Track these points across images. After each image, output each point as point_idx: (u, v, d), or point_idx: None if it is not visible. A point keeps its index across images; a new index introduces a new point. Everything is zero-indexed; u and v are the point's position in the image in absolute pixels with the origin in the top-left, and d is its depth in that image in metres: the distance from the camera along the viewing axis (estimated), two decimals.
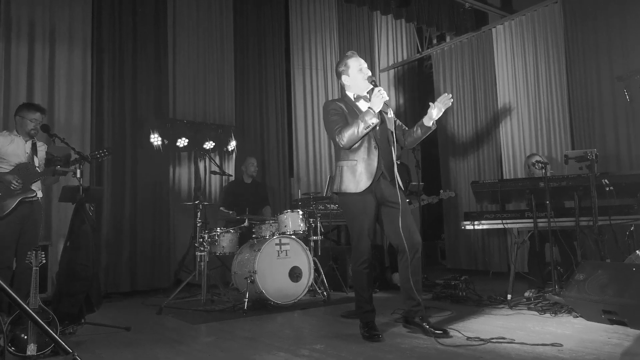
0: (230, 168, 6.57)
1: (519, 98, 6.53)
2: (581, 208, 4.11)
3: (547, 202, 4.05)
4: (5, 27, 5.11)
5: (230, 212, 5.33)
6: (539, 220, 4.16)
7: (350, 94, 3.33)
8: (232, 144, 6.45)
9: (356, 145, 3.14)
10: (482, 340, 2.94)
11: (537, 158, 4.88)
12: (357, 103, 3.28)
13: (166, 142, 5.93)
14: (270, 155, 7.00)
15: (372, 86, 3.15)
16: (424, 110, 3.32)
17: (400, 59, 8.41)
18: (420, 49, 8.38)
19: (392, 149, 3.20)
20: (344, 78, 3.34)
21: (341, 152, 3.26)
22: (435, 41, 8.26)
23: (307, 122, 7.53)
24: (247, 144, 6.72)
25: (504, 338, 2.97)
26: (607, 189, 3.95)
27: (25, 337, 2.78)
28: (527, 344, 2.84)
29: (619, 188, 4.02)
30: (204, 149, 6.14)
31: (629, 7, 5.42)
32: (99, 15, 5.70)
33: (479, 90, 7.07)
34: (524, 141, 6.45)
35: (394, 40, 8.43)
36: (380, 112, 3.13)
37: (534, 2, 6.43)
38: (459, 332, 3.09)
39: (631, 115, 5.36)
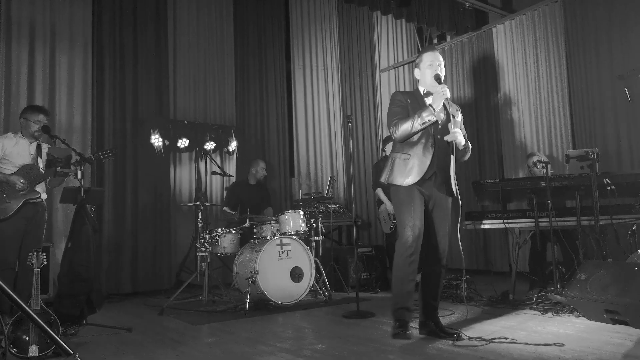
0: (231, 168, 6.57)
1: (520, 97, 6.52)
2: (582, 207, 4.11)
3: (549, 201, 4.05)
4: (6, 27, 5.12)
5: (233, 212, 5.32)
6: (540, 219, 4.16)
7: (421, 89, 3.26)
8: (233, 145, 6.45)
9: (414, 139, 3.10)
10: (483, 340, 2.94)
11: (537, 157, 4.88)
12: (425, 98, 3.20)
13: (167, 142, 5.93)
14: (271, 155, 7.00)
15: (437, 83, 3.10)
16: None
17: (400, 59, 8.41)
18: (420, 49, 8.38)
19: (451, 152, 3.16)
20: (415, 71, 3.30)
21: (397, 144, 3.21)
22: (435, 41, 8.26)
23: (307, 122, 7.53)
24: (248, 144, 6.72)
25: (505, 338, 2.96)
26: (609, 188, 3.94)
27: (27, 338, 2.78)
28: (529, 344, 2.83)
29: (621, 187, 4.02)
30: (205, 149, 6.14)
31: (629, 6, 5.41)
32: (100, 16, 5.71)
33: (479, 90, 7.07)
34: (525, 141, 6.44)
35: (394, 40, 8.43)
36: (447, 112, 3.13)
37: (534, 1, 6.42)
38: (461, 332, 3.08)
39: (632, 114, 5.35)
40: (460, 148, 3.17)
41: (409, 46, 8.55)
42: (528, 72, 6.44)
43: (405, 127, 3.05)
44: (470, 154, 3.29)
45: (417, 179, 3.05)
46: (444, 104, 3.14)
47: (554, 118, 6.15)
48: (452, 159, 3.17)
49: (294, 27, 7.57)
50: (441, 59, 3.21)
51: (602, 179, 4.00)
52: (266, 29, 7.18)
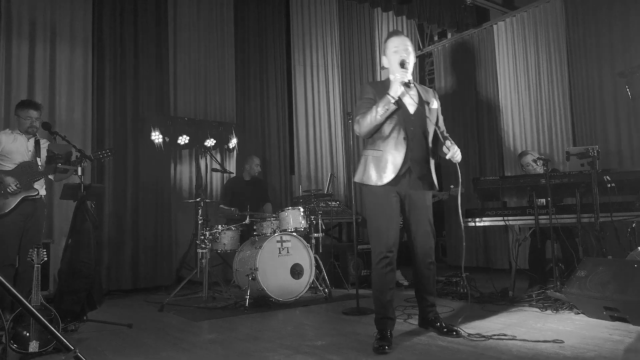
0: (231, 165, 6.57)
1: (521, 94, 6.52)
2: (583, 205, 4.11)
3: (549, 198, 4.05)
4: (6, 25, 5.11)
5: (232, 208, 5.33)
6: (540, 217, 4.16)
7: (391, 77, 3.00)
8: (233, 142, 6.45)
9: (386, 133, 2.90)
10: (483, 336, 2.94)
11: (532, 156, 4.87)
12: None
13: (167, 139, 5.93)
14: (271, 153, 7.00)
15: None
16: None
17: None
18: (421, 46, 8.37)
19: (427, 143, 2.98)
20: (383, 60, 3.10)
21: (368, 140, 3.01)
22: (436, 38, 8.25)
23: (307, 119, 7.52)
24: (248, 141, 6.72)
25: (505, 335, 2.97)
26: (609, 185, 3.94)
27: (27, 334, 2.79)
28: (528, 341, 2.84)
29: (621, 185, 4.02)
30: (205, 146, 6.14)
31: (631, 3, 5.40)
32: (100, 13, 5.70)
33: (480, 87, 7.06)
34: (525, 138, 6.44)
35: None
36: (421, 99, 2.97)
37: None
38: (461, 328, 3.09)
39: (633, 112, 5.35)
40: (448, 155, 2.96)
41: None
42: (529, 69, 6.43)
43: (366, 122, 2.89)
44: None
45: (392, 176, 2.87)
46: (418, 91, 3.00)
47: (555, 115, 6.14)
48: (428, 146, 3.00)
49: (295, 24, 7.55)
50: (408, 43, 3.01)
51: (603, 176, 4.00)
52: (267, 26, 7.17)
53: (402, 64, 2.87)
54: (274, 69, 7.19)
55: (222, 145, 6.42)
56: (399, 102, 2.88)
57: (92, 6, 5.63)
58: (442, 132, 3.08)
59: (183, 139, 6.00)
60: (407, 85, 2.95)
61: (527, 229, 4.49)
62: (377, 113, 2.83)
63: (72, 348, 1.30)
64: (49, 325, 1.33)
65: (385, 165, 2.88)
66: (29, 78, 5.20)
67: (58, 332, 1.44)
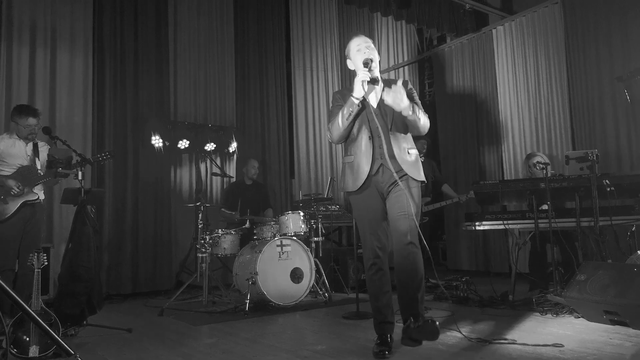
0: (231, 169, 6.58)
1: (520, 99, 6.53)
2: (582, 208, 4.11)
3: (548, 202, 4.05)
4: (7, 28, 5.13)
5: (233, 212, 5.33)
6: (539, 220, 4.16)
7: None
8: (233, 146, 6.46)
9: (354, 136, 2.85)
10: (483, 340, 2.94)
11: (538, 158, 4.88)
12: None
13: (167, 143, 5.94)
14: (271, 156, 7.01)
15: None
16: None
17: (400, 60, 8.42)
18: (420, 50, 8.39)
19: (398, 135, 2.84)
20: (348, 63, 3.02)
21: (345, 147, 2.98)
22: (435, 42, 8.28)
23: (307, 123, 7.54)
24: (248, 145, 6.73)
25: (505, 338, 2.97)
26: (608, 189, 3.94)
27: (28, 338, 2.78)
28: (528, 345, 2.83)
29: (620, 188, 4.02)
30: (205, 150, 6.15)
31: (629, 8, 5.42)
32: (100, 17, 5.72)
33: (479, 91, 7.08)
34: (525, 142, 6.45)
35: (394, 42, 8.44)
36: (382, 98, 2.80)
37: (534, 2, 6.44)
38: (460, 332, 3.09)
39: (632, 116, 5.36)
40: (405, 114, 2.72)
41: (409, 48, 8.56)
42: (528, 73, 6.45)
43: (334, 128, 2.84)
44: (424, 121, 2.83)
45: (364, 178, 2.79)
46: (384, 88, 2.81)
47: (554, 119, 6.15)
48: (402, 138, 2.85)
49: (294, 29, 7.58)
50: (369, 41, 2.92)
51: (602, 180, 4.01)
52: (266, 30, 7.20)
53: (365, 64, 2.77)
54: (273, 73, 7.21)
55: (222, 149, 6.43)
56: (364, 102, 2.81)
57: (93, 10, 5.66)
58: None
59: (183, 143, 6.01)
60: (373, 82, 2.87)
61: (527, 233, 4.50)
62: (343, 116, 2.79)
63: (72, 353, 1.30)
64: (49, 330, 1.33)
65: (357, 169, 2.83)
66: (29, 82, 5.21)
67: (58, 336, 1.44)
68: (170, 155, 6.10)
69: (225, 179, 6.35)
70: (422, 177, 2.88)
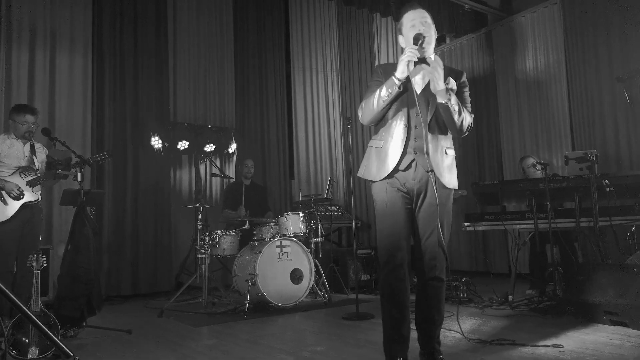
0: (231, 170, 6.58)
1: (519, 99, 6.53)
2: (582, 209, 4.12)
3: (548, 203, 4.05)
4: (7, 30, 5.13)
5: (236, 211, 5.32)
6: (539, 221, 4.16)
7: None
8: (233, 147, 6.46)
9: (388, 121, 2.47)
10: (483, 341, 2.94)
11: (532, 160, 4.88)
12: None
13: (167, 145, 5.94)
14: (271, 157, 7.01)
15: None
16: None
17: None
18: None
19: (439, 130, 2.45)
20: (399, 39, 2.69)
21: (374, 130, 2.61)
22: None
23: (307, 124, 7.53)
24: (248, 146, 6.73)
25: (505, 339, 2.96)
26: (608, 189, 3.95)
27: (27, 340, 2.78)
28: (528, 345, 2.83)
29: (620, 189, 4.03)
30: (205, 151, 6.15)
31: (628, 8, 5.43)
32: (100, 19, 5.72)
33: (479, 92, 7.08)
34: (524, 142, 6.46)
35: (393, 43, 8.43)
36: (429, 81, 2.42)
37: (533, 3, 6.44)
38: (461, 333, 3.09)
39: (631, 116, 5.37)
40: (439, 100, 2.37)
41: None
42: (527, 73, 6.46)
43: (368, 107, 2.47)
44: (465, 120, 2.45)
45: (391, 168, 2.40)
46: (433, 72, 2.41)
47: (553, 119, 6.16)
48: (439, 135, 2.46)
49: (294, 30, 7.58)
50: (427, 16, 2.58)
51: (601, 180, 4.01)
52: (266, 31, 7.20)
53: (416, 40, 2.41)
54: (273, 74, 7.21)
55: (221, 150, 6.43)
56: (407, 85, 2.42)
57: (92, 12, 5.66)
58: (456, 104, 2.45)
59: (183, 144, 6.01)
60: (423, 63, 2.48)
61: (526, 233, 4.50)
62: (380, 97, 2.41)
63: (72, 354, 1.30)
64: (48, 332, 1.33)
65: (385, 157, 2.44)
66: (29, 84, 5.21)
67: (57, 338, 1.44)
68: (169, 156, 6.10)
69: (224, 180, 6.35)
70: (455, 184, 2.48)
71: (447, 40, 7.77)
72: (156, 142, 5.83)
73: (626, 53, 5.43)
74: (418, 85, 2.47)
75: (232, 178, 6.35)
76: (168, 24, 6.25)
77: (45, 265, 3.00)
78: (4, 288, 1.27)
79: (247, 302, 4.18)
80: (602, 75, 5.65)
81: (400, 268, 2.37)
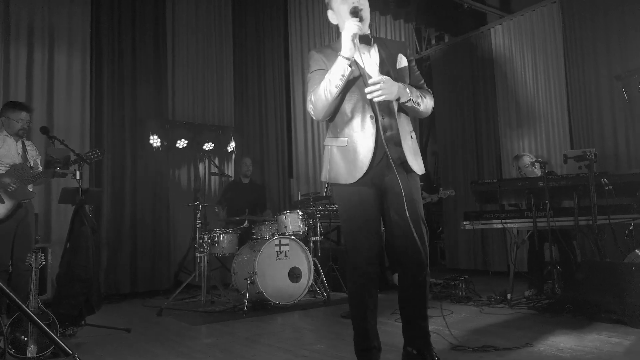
0: (229, 169, 6.58)
1: (518, 98, 6.54)
2: (580, 207, 4.12)
3: (547, 201, 4.06)
4: (4, 28, 5.11)
5: (219, 211, 5.34)
6: (538, 219, 4.17)
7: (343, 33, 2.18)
8: (232, 145, 6.45)
9: (347, 114, 2.21)
10: (481, 340, 2.94)
11: (529, 159, 4.88)
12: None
13: (165, 143, 5.93)
14: (270, 156, 7.00)
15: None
16: None
17: None
18: (418, 49, 8.39)
19: (396, 116, 2.23)
20: (329, 15, 2.34)
21: (331, 129, 2.30)
22: (433, 41, 8.27)
23: (306, 123, 7.52)
24: (247, 145, 6.72)
25: (504, 338, 2.96)
26: (606, 188, 3.95)
27: (26, 338, 2.78)
28: (528, 345, 2.83)
29: (618, 187, 4.03)
30: (204, 150, 6.14)
31: (627, 7, 5.43)
32: (98, 17, 5.70)
33: (477, 90, 7.08)
34: (523, 141, 6.46)
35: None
36: (382, 60, 2.22)
37: (532, 2, 6.45)
38: (460, 332, 3.09)
39: (630, 115, 5.37)
40: (406, 102, 2.19)
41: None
42: (526, 72, 6.46)
43: (320, 99, 2.17)
44: (430, 106, 2.32)
45: (365, 169, 2.17)
46: (378, 49, 2.26)
47: (552, 118, 6.17)
48: (404, 119, 2.26)
49: (293, 28, 7.56)
50: None
51: (600, 179, 4.02)
52: (265, 29, 7.18)
53: (354, 12, 2.12)
54: (272, 72, 7.19)
55: (220, 149, 6.42)
56: (358, 67, 2.19)
57: (90, 10, 5.63)
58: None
59: (181, 143, 6.00)
60: (366, 42, 2.24)
61: (525, 232, 4.50)
62: (330, 84, 2.12)
63: (71, 352, 1.30)
64: (47, 330, 1.33)
65: (355, 156, 2.19)
66: (27, 82, 5.19)
67: (56, 336, 1.44)
68: (168, 154, 6.09)
69: (223, 178, 6.35)
70: (423, 169, 2.30)
71: (446, 39, 7.77)
72: (155, 141, 5.82)
73: (625, 52, 5.44)
74: (372, 69, 2.23)
75: (231, 176, 6.34)
76: (167, 23, 6.23)
77: (43, 263, 3.00)
78: (4, 286, 1.26)
79: (246, 301, 4.18)
80: (600, 74, 5.66)
81: (375, 277, 2.27)
